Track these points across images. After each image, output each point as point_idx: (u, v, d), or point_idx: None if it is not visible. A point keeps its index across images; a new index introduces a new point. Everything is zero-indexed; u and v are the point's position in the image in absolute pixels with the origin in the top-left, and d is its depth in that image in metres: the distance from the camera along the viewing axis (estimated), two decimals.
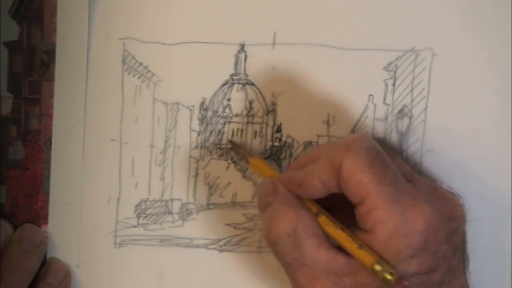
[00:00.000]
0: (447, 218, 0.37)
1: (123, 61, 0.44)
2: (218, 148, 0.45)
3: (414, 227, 0.35)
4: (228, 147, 0.45)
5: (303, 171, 0.38)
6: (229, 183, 0.45)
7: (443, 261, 0.36)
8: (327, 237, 0.37)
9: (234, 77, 0.44)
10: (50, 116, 0.45)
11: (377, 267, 0.35)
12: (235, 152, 0.45)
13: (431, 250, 0.35)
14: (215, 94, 0.45)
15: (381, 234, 0.35)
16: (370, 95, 0.44)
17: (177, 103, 0.45)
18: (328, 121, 0.44)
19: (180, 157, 0.45)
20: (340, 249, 0.37)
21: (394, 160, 0.38)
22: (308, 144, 0.44)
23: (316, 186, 0.37)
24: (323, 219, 0.38)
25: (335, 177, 0.36)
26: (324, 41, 0.43)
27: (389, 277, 0.34)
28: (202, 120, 0.45)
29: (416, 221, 0.35)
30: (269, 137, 0.45)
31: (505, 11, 0.42)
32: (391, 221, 0.35)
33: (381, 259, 0.35)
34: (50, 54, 0.44)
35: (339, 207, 0.39)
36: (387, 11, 0.43)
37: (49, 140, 0.45)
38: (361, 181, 0.35)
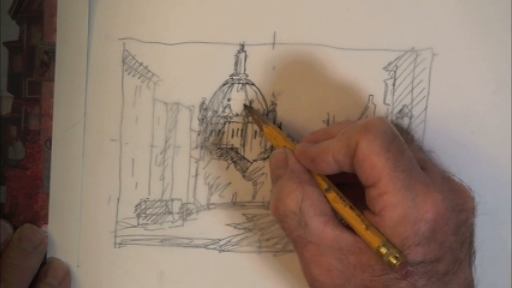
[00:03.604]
0: (458, 210, 0.36)
1: (123, 61, 0.44)
2: (218, 148, 0.45)
3: (423, 215, 0.35)
4: (242, 114, 0.44)
5: (317, 146, 0.38)
6: (229, 183, 0.45)
7: (449, 252, 0.35)
8: (335, 214, 0.37)
9: (234, 77, 0.44)
10: (50, 116, 0.45)
11: (383, 250, 0.34)
12: (250, 116, 0.44)
13: (438, 240, 0.35)
14: (215, 94, 0.45)
15: (389, 218, 0.35)
16: (370, 95, 0.44)
17: (177, 103, 0.45)
18: (328, 121, 0.44)
19: (180, 157, 0.45)
20: (347, 227, 0.37)
21: (410, 146, 0.37)
22: None
23: (329, 163, 0.37)
24: (333, 196, 0.38)
25: (349, 157, 0.36)
26: (324, 41, 0.43)
27: (394, 261, 0.34)
28: (202, 120, 0.45)
29: (426, 209, 0.35)
30: None
31: (505, 11, 0.42)
32: (401, 207, 0.35)
33: (388, 242, 0.35)
34: (50, 54, 0.44)
35: (348, 187, 0.39)
36: (387, 11, 0.43)
37: (49, 140, 0.45)
38: (376, 164, 0.35)
